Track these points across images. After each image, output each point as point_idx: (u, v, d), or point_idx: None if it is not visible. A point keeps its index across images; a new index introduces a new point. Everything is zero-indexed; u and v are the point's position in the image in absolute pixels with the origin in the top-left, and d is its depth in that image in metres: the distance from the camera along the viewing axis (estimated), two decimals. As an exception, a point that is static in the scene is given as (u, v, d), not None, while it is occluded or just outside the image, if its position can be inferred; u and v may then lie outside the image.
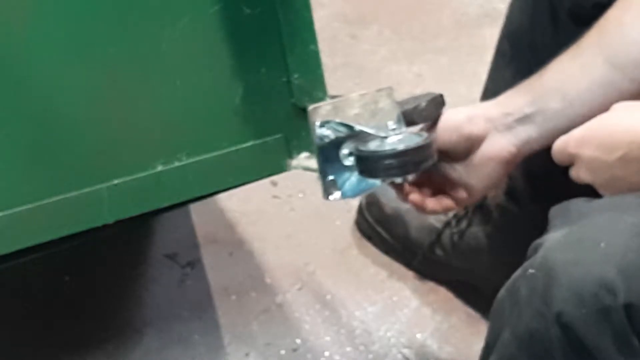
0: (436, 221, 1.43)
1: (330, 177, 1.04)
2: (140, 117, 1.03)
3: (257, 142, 1.07)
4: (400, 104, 1.05)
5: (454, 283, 1.45)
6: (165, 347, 1.36)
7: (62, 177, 1.00)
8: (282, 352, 1.36)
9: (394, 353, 1.37)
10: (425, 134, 1.02)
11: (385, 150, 1.00)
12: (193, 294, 1.44)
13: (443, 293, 1.45)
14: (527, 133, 1.02)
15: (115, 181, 1.01)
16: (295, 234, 1.54)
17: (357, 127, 1.02)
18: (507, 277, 0.85)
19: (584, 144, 0.90)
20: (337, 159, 1.03)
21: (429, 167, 1.01)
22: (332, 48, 1.90)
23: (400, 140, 1.01)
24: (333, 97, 1.05)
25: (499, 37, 1.29)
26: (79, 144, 1.00)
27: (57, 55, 0.97)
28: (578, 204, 0.85)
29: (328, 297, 1.44)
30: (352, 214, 1.54)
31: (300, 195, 1.59)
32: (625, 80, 0.97)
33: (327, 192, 1.04)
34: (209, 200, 1.20)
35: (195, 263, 1.48)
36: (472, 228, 1.40)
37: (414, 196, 1.08)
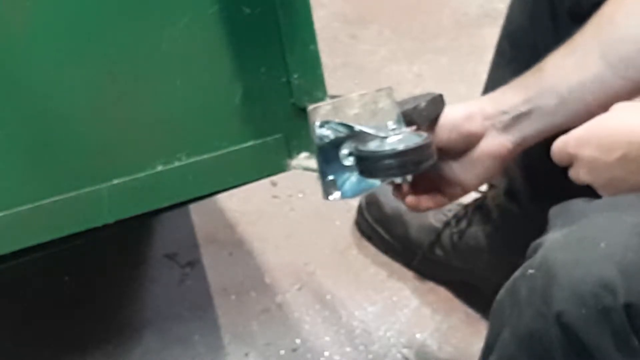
0: (436, 221, 1.43)
1: (330, 177, 1.04)
2: (140, 117, 1.03)
3: (257, 142, 1.07)
4: (400, 104, 1.05)
5: (454, 283, 1.45)
6: (165, 347, 1.36)
7: (62, 177, 1.00)
8: (282, 352, 1.36)
9: (393, 353, 1.37)
10: (424, 134, 1.02)
11: (385, 150, 1.00)
12: (193, 294, 1.44)
13: (443, 293, 1.45)
14: (523, 130, 1.03)
15: (115, 181, 1.01)
16: (295, 234, 1.54)
17: (357, 127, 1.02)
18: (507, 277, 0.85)
19: (583, 144, 0.90)
20: (336, 159, 1.03)
21: (428, 167, 1.01)
22: (332, 48, 1.90)
23: (400, 140, 1.01)
24: (333, 97, 1.05)
25: (498, 37, 1.29)
26: (79, 144, 1.00)
27: (57, 55, 0.97)
28: (578, 204, 0.85)
29: (328, 297, 1.44)
30: (352, 214, 1.54)
31: (300, 195, 1.59)
32: (617, 77, 0.97)
33: (326, 192, 1.04)
34: (209, 200, 1.20)
35: (195, 263, 1.48)
36: (472, 228, 1.40)
37: (409, 198, 1.08)
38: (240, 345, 1.37)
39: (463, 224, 1.41)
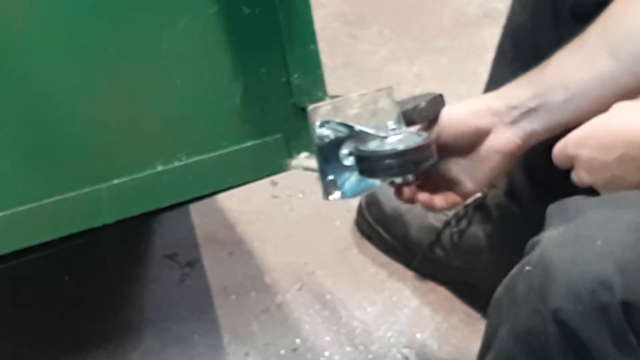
0: (436, 221, 1.43)
1: (330, 177, 1.04)
2: (140, 117, 1.03)
3: (257, 142, 1.07)
4: (400, 104, 1.05)
5: (454, 283, 1.45)
6: (165, 347, 1.36)
7: (62, 177, 1.00)
8: (282, 352, 1.36)
9: (393, 353, 1.37)
10: (425, 134, 1.02)
11: (385, 150, 1.00)
12: (193, 294, 1.44)
13: (443, 293, 1.45)
14: (531, 126, 1.03)
15: (115, 181, 1.01)
16: (295, 234, 1.54)
17: (357, 127, 1.02)
18: (507, 276, 0.85)
19: (583, 145, 0.90)
20: (337, 159, 1.03)
21: (429, 166, 1.01)
22: (332, 48, 1.90)
23: (400, 140, 1.01)
24: (333, 97, 1.05)
25: (500, 35, 1.29)
26: (79, 144, 1.00)
27: (57, 55, 0.97)
28: (575, 202, 0.85)
29: (328, 297, 1.44)
30: (352, 214, 1.54)
31: (300, 195, 1.59)
32: (626, 74, 0.97)
33: (327, 192, 1.04)
34: (209, 200, 1.20)
35: (195, 263, 1.48)
36: (472, 227, 1.40)
37: (423, 196, 1.08)
38: (240, 345, 1.37)
39: (463, 223, 1.41)
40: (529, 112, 1.02)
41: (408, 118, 1.05)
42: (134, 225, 1.15)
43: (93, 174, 1.01)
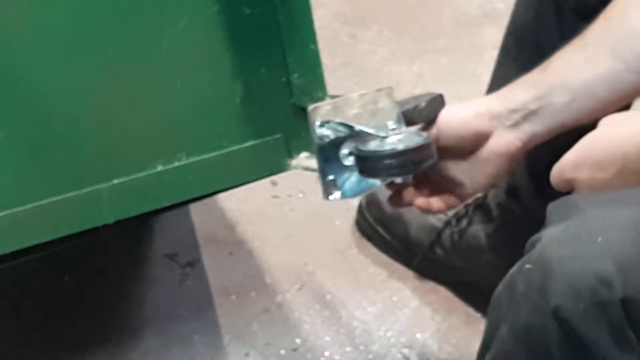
0: (436, 220, 1.43)
1: (330, 177, 1.04)
2: (140, 117, 1.03)
3: (257, 142, 1.07)
4: (400, 104, 1.05)
5: (454, 283, 1.45)
6: (165, 347, 1.36)
7: (62, 177, 1.00)
8: (282, 352, 1.36)
9: (393, 353, 1.37)
10: (425, 134, 1.02)
11: (385, 150, 1.00)
12: (193, 294, 1.44)
13: (443, 293, 1.45)
14: (533, 128, 1.02)
15: (115, 181, 1.01)
16: (295, 234, 1.54)
17: (357, 127, 1.02)
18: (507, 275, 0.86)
19: (579, 167, 0.90)
20: (337, 159, 1.03)
21: (429, 167, 1.01)
22: (332, 48, 1.90)
23: (400, 140, 1.01)
24: (333, 97, 1.05)
25: (504, 34, 1.29)
26: (79, 144, 1.00)
27: (57, 55, 0.97)
28: (575, 200, 0.85)
29: (328, 297, 1.44)
30: (352, 214, 1.54)
31: (300, 195, 1.59)
32: (630, 72, 0.97)
33: (327, 192, 1.04)
34: (209, 200, 1.20)
35: (195, 263, 1.48)
36: (473, 227, 1.40)
37: (420, 200, 1.07)
38: (240, 345, 1.37)
39: (463, 223, 1.41)
40: (530, 115, 1.02)
41: (408, 118, 1.04)
42: (134, 225, 1.15)
43: (93, 174, 1.01)
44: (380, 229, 1.49)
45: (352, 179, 1.04)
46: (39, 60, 0.97)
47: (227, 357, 1.35)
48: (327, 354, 1.36)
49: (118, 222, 1.02)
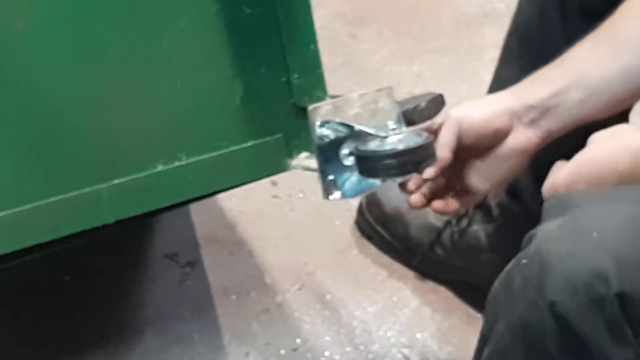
0: (436, 220, 1.43)
1: (330, 177, 1.04)
2: (141, 117, 1.03)
3: (257, 142, 1.07)
4: (400, 103, 1.05)
5: (454, 283, 1.45)
6: (165, 347, 1.36)
7: (62, 177, 1.00)
8: (282, 352, 1.36)
9: (394, 353, 1.37)
10: (425, 134, 1.02)
11: (385, 150, 1.00)
12: (193, 293, 1.44)
13: (443, 293, 1.45)
14: (549, 124, 1.03)
15: (115, 181, 1.01)
16: (295, 234, 1.54)
17: (357, 127, 1.02)
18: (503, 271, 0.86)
19: (573, 186, 0.90)
20: (337, 159, 1.03)
21: (428, 166, 1.01)
22: (332, 48, 1.90)
23: (400, 140, 1.01)
24: (333, 97, 1.05)
25: (506, 33, 1.29)
26: (79, 144, 1.00)
27: (57, 55, 0.97)
28: (572, 196, 0.85)
29: (328, 297, 1.44)
30: (352, 214, 1.54)
31: (300, 195, 1.59)
32: None
33: (327, 192, 1.04)
34: (209, 200, 1.20)
35: (195, 263, 1.48)
36: (473, 227, 1.40)
37: (437, 203, 1.07)
38: (240, 345, 1.37)
39: (464, 223, 1.41)
40: (548, 111, 1.02)
41: (408, 118, 1.05)
42: (134, 225, 1.15)
43: (93, 174, 1.01)
44: (380, 229, 1.49)
45: (352, 179, 1.04)
46: (39, 60, 0.97)
47: (227, 357, 1.35)
48: (327, 353, 1.36)
49: (118, 222, 1.02)
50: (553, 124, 1.02)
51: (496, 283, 0.85)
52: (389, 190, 1.48)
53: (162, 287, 1.44)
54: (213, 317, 1.40)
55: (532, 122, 1.03)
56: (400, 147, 1.00)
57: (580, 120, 1.01)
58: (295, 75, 1.05)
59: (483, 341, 0.86)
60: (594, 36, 1.01)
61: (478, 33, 1.98)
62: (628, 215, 0.78)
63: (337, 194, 1.04)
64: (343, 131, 1.02)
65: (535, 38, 1.22)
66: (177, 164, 1.04)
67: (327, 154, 1.03)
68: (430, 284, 1.46)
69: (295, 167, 1.09)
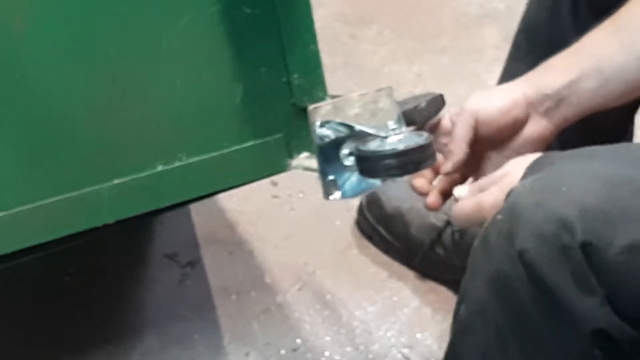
0: (437, 220, 1.43)
1: (331, 177, 1.04)
2: (141, 117, 1.03)
3: (257, 142, 1.07)
4: (400, 104, 1.05)
5: (455, 283, 1.44)
6: (165, 347, 1.36)
7: (62, 177, 1.00)
8: (282, 352, 1.36)
9: (394, 353, 1.37)
10: (425, 134, 1.02)
11: (385, 150, 1.00)
12: (193, 294, 1.44)
13: (443, 293, 1.45)
14: (564, 113, 1.03)
15: (115, 181, 1.01)
16: (295, 234, 1.54)
17: (357, 127, 1.02)
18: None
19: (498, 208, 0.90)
20: (337, 159, 1.03)
21: (429, 167, 1.01)
22: (332, 48, 1.90)
23: (400, 140, 1.01)
24: (333, 97, 1.05)
25: (516, 30, 1.29)
26: (79, 144, 1.00)
27: (57, 54, 0.97)
28: (549, 155, 0.87)
29: (328, 297, 1.44)
30: (352, 214, 1.55)
31: (300, 195, 1.59)
32: None
33: (327, 192, 1.04)
34: (209, 200, 1.20)
35: (195, 263, 1.48)
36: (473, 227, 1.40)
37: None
38: (240, 345, 1.37)
39: (464, 223, 1.40)
40: (562, 100, 1.02)
41: (408, 118, 1.05)
42: (134, 225, 1.14)
43: (93, 174, 1.01)
44: (380, 229, 1.49)
45: (352, 179, 1.04)
46: (39, 60, 0.97)
47: (227, 357, 1.35)
48: (327, 353, 1.36)
49: (118, 222, 1.02)
50: (566, 112, 1.03)
51: (475, 241, 0.86)
52: (389, 190, 1.48)
53: (162, 287, 1.44)
54: (213, 317, 1.40)
55: (547, 111, 1.03)
56: (401, 147, 1.00)
57: (594, 108, 1.01)
58: (296, 75, 1.05)
59: (461, 297, 0.87)
60: (608, 25, 1.01)
61: (478, 33, 1.98)
62: (598, 171, 0.80)
63: (337, 194, 1.04)
64: (343, 131, 1.02)
65: (545, 35, 1.22)
66: (177, 164, 1.04)
67: (327, 154, 1.03)
68: (431, 284, 1.46)
69: (295, 167, 1.09)
